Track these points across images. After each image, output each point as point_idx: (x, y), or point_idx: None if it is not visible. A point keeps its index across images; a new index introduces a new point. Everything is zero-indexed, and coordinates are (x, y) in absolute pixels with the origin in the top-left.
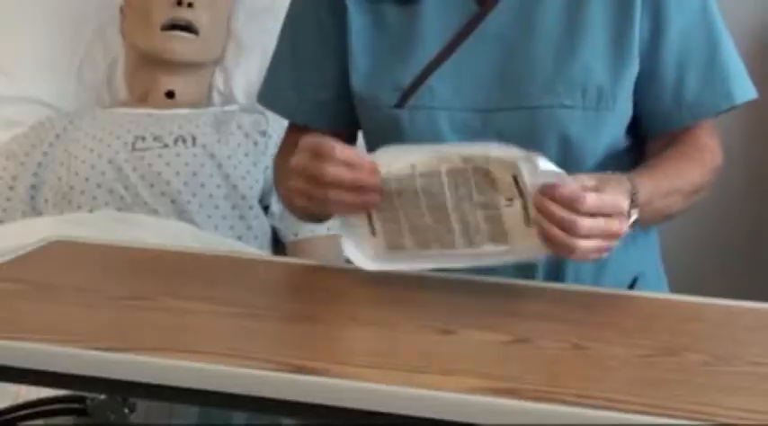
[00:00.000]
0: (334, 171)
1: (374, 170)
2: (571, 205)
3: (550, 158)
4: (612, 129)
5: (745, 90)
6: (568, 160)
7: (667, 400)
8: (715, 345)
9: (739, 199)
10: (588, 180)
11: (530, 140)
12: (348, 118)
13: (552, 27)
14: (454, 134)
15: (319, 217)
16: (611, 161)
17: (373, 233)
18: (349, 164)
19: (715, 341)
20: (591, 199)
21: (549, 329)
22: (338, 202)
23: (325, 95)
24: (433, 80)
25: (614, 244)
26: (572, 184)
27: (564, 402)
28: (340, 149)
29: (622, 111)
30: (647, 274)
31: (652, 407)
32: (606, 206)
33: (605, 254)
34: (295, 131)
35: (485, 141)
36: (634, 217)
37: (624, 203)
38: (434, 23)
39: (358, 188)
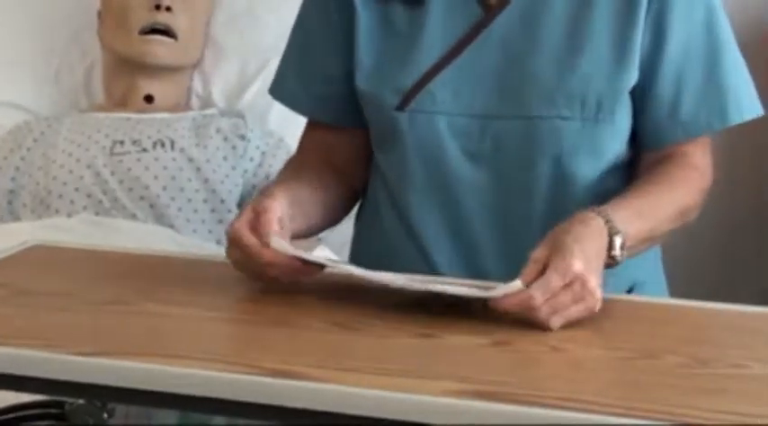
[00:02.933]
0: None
1: (297, 269)
2: (527, 312)
3: (546, 169)
4: (610, 142)
5: (742, 109)
6: (564, 172)
7: (647, 402)
8: (695, 347)
9: (743, 208)
10: (539, 253)
11: (526, 149)
12: (354, 117)
13: (556, 37)
14: (453, 139)
15: None
16: (609, 174)
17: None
18: (272, 266)
19: (695, 344)
20: (537, 296)
21: (528, 332)
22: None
23: (329, 91)
24: (434, 84)
25: (596, 299)
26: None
27: (544, 404)
28: (262, 254)
29: (621, 124)
30: (647, 283)
31: (632, 410)
32: (555, 284)
33: (592, 308)
34: (310, 130)
35: (483, 147)
36: (618, 242)
37: (576, 265)
38: (439, 27)
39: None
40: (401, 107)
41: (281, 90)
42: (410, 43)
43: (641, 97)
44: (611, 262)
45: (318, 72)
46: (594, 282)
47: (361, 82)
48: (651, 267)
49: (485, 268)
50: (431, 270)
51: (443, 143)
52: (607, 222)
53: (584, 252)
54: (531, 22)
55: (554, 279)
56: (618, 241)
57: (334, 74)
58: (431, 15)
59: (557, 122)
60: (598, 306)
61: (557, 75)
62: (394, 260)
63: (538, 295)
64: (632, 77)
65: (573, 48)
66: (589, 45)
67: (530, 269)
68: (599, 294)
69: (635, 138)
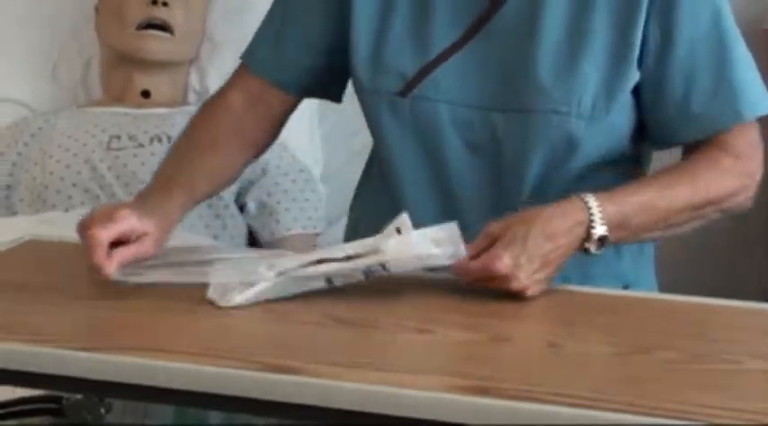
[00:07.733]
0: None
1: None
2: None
3: (544, 162)
4: (601, 139)
5: (755, 105)
6: (555, 165)
7: (642, 398)
8: (689, 343)
9: None
10: (495, 227)
11: (521, 142)
12: (311, 89)
13: (556, 32)
14: (454, 128)
15: None
16: (610, 167)
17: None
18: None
19: (689, 339)
20: (473, 269)
21: (525, 328)
22: None
23: (302, 60)
24: (438, 72)
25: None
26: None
27: (540, 400)
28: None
29: (616, 122)
30: (639, 283)
31: (627, 405)
32: (487, 272)
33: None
34: (249, 78)
35: (482, 138)
36: (598, 234)
37: (507, 261)
38: (446, 15)
39: None
40: (403, 93)
41: (250, 55)
42: (415, 29)
43: (651, 96)
44: (583, 250)
45: (295, 39)
46: (518, 285)
47: (360, 67)
48: (645, 268)
49: None
50: None
51: (444, 132)
52: (591, 216)
53: (529, 249)
54: (532, 15)
55: (490, 267)
56: (597, 234)
57: (315, 44)
58: (437, 2)
59: (551, 117)
60: (533, 291)
61: (555, 70)
62: None
63: (471, 270)
64: (631, 78)
65: (573, 45)
66: (589, 44)
67: (480, 241)
68: (522, 284)
69: (640, 135)
